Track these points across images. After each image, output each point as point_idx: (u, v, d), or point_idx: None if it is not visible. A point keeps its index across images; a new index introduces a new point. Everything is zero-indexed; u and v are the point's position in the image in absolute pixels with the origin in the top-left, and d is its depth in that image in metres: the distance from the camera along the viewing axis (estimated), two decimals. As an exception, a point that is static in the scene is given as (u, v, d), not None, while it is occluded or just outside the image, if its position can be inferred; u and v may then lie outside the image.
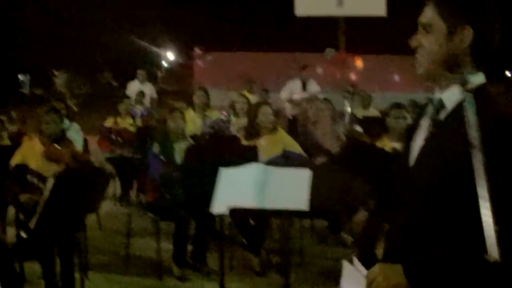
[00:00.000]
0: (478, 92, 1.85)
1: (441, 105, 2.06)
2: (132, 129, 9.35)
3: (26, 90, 27.67)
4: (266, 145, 6.38)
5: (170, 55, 25.96)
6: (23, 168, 5.60)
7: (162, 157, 6.12)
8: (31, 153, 5.67)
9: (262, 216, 5.70)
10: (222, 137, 7.43)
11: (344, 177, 4.12)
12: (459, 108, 1.92)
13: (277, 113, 7.98)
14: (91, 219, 6.52)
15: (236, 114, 8.51)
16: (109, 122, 9.60)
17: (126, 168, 8.56)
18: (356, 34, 14.03)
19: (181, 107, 7.70)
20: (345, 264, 2.22)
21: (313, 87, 11.57)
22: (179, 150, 6.24)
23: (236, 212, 3.79)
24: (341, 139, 6.44)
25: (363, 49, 16.15)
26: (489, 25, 2.02)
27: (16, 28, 23.04)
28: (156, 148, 6.18)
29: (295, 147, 6.56)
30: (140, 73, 14.11)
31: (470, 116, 1.75)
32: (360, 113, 10.12)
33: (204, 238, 6.04)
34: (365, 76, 14.41)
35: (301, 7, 13.20)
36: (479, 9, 2.01)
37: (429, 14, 2.05)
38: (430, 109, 2.13)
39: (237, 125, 7.95)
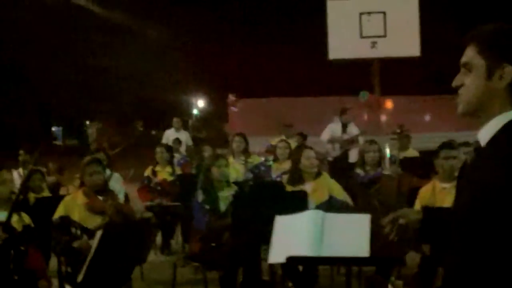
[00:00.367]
0: None
1: (477, 143, 2.09)
2: (171, 177, 9.29)
3: (59, 142, 28.06)
4: (312, 191, 6.23)
5: (203, 103, 26.20)
6: (66, 220, 5.52)
7: (206, 206, 6.02)
8: (74, 205, 5.59)
9: (318, 264, 5.54)
10: (266, 183, 7.32)
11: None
12: (492, 142, 2.01)
13: (319, 156, 7.86)
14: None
15: (276, 159, 8.42)
16: (147, 171, 9.55)
17: (166, 217, 8.48)
18: (388, 76, 14.01)
19: (223, 154, 7.64)
20: None
21: (354, 130, 11.48)
22: (224, 198, 6.14)
23: (294, 261, 3.64)
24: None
25: (395, 90, 16.09)
26: None
27: (48, 80, 23.43)
28: (200, 196, 6.09)
29: (340, 193, 6.41)
30: (176, 121, 14.18)
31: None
32: (400, 154, 9.99)
33: (251, 286, 5.89)
34: (397, 117, 14.28)
35: (335, 51, 13.31)
36: None
37: (470, 53, 2.11)
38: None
39: (278, 170, 7.86)
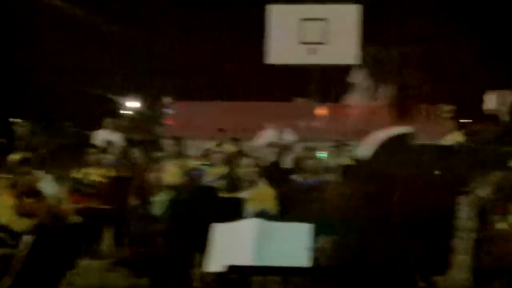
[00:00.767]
0: None
1: None
2: (102, 179, 9.04)
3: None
4: (250, 198, 6.16)
5: (137, 104, 25.83)
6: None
7: (141, 210, 5.89)
8: (1, 207, 5.36)
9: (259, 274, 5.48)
10: (202, 188, 7.21)
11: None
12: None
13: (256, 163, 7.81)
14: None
15: (212, 164, 8.32)
16: (78, 173, 9.27)
17: (96, 221, 8.24)
18: (328, 82, 14.10)
19: (157, 157, 7.50)
20: None
21: (289, 136, 11.49)
22: (158, 202, 6.01)
23: (236, 271, 3.56)
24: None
25: (334, 97, 16.21)
26: None
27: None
28: (134, 200, 5.95)
29: (273, 204, 6.33)
30: (108, 121, 13.84)
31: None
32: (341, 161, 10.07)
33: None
34: (337, 124, 14.37)
35: (273, 56, 13.28)
36: None
37: None
38: None
39: (213, 175, 7.76)
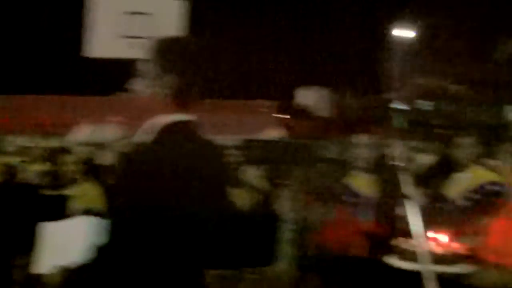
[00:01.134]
0: None
1: None
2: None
3: None
4: (76, 196, 6.02)
5: None
6: None
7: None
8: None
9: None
10: (20, 186, 6.91)
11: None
12: None
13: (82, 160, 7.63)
14: None
15: (32, 161, 8.02)
16: None
17: None
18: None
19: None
20: None
21: (107, 133, 11.28)
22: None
23: (73, 271, 3.50)
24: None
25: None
26: None
27: None
28: None
29: (98, 202, 6.24)
30: None
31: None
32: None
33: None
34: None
35: (91, 48, 12.90)
36: None
37: None
38: None
39: (33, 172, 7.49)
